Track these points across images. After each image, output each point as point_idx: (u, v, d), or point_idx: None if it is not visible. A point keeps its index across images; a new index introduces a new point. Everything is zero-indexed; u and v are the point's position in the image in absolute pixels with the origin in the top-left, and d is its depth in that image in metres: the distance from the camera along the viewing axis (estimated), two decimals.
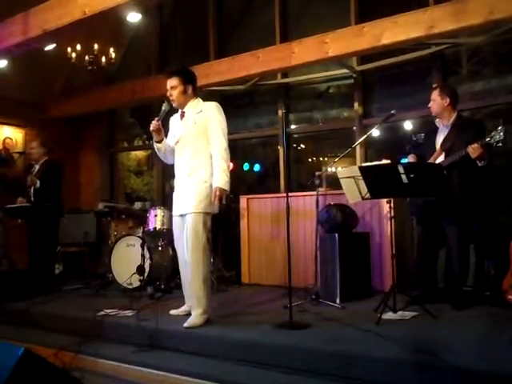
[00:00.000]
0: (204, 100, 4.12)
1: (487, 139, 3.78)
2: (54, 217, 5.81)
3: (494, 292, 4.21)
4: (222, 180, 3.82)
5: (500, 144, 3.74)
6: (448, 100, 4.18)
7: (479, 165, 3.89)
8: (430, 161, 4.14)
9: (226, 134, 4.01)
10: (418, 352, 2.98)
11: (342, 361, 3.02)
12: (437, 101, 4.18)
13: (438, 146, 4.20)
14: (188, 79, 4.03)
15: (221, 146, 3.92)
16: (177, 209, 4.06)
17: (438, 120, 4.29)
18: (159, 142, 4.05)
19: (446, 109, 4.20)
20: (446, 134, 4.19)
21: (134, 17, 5.47)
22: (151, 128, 3.96)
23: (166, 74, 4.07)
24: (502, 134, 3.71)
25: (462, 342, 3.16)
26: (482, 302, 4.25)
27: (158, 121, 3.95)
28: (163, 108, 3.99)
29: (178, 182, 4.07)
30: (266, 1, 6.99)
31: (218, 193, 3.80)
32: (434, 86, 4.33)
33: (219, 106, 4.05)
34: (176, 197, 4.07)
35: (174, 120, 4.16)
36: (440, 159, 4.13)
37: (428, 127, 4.47)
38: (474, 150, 3.80)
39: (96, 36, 6.33)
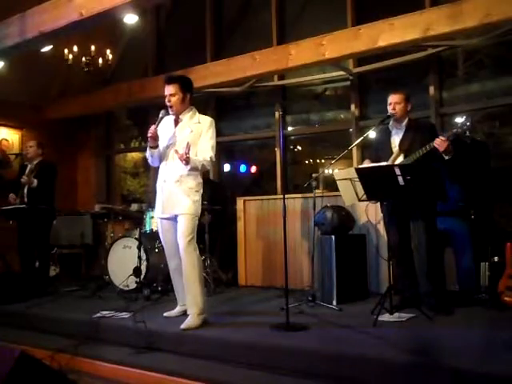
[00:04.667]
0: (200, 102, 4.14)
1: (454, 130, 3.89)
2: (47, 219, 5.80)
3: (489, 294, 4.22)
4: (195, 160, 3.90)
5: (468, 133, 3.86)
6: (410, 106, 4.28)
7: (446, 158, 3.92)
8: (389, 162, 4.14)
9: (215, 149, 4.10)
10: (415, 354, 2.99)
11: (339, 363, 3.03)
12: (402, 104, 4.22)
13: (394, 148, 4.23)
14: (187, 87, 4.08)
15: (208, 155, 4.00)
16: (165, 211, 4.06)
17: (391, 124, 4.31)
18: (154, 147, 4.08)
19: (406, 114, 4.26)
20: (401, 135, 4.24)
21: (130, 18, 5.46)
22: (149, 134, 4.00)
23: (166, 81, 4.08)
24: (468, 123, 3.84)
25: (459, 344, 3.17)
26: (477, 303, 4.27)
27: (155, 128, 3.99)
28: (160, 115, 4.05)
29: (164, 186, 4.07)
30: (263, 3, 6.99)
31: (184, 156, 3.78)
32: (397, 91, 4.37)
33: (214, 122, 4.16)
34: (162, 199, 4.07)
35: (166, 124, 4.16)
36: (399, 160, 4.14)
37: (381, 132, 4.48)
38: (440, 142, 3.85)
39: (93, 37, 6.32)
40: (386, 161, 4.17)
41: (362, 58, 6.06)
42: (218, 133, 4.18)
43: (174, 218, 4.02)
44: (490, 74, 5.60)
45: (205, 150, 4.01)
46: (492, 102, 5.51)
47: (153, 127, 3.98)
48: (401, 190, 3.72)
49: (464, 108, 5.56)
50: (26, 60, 6.35)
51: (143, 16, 6.69)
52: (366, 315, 3.94)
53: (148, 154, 4.17)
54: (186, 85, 4.08)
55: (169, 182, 4.04)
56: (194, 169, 3.93)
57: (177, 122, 4.11)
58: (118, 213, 6.53)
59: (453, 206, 4.65)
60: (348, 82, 6.39)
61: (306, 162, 7.34)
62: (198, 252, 3.99)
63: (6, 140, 7.56)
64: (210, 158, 4.01)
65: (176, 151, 3.88)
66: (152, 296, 5.12)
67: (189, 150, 3.81)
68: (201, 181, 4.09)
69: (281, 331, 3.61)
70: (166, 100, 4.03)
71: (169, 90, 4.02)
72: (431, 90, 5.72)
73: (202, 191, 4.10)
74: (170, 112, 4.09)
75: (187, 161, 3.81)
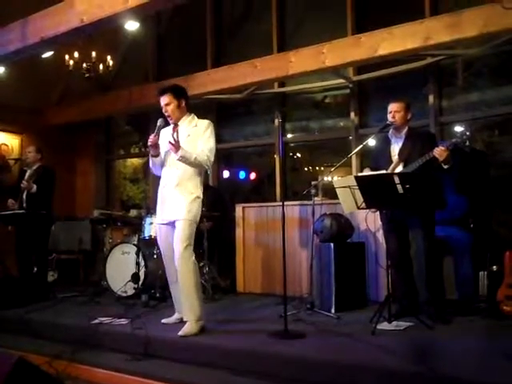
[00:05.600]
0: (201, 108, 4.15)
1: (454, 140, 3.91)
2: (45, 224, 5.79)
3: (488, 303, 4.22)
4: (188, 152, 3.87)
5: (467, 143, 3.91)
6: (410, 115, 4.27)
7: (444, 167, 3.93)
8: (388, 171, 4.15)
9: (213, 151, 4.07)
10: (413, 362, 2.98)
11: (337, 371, 3.02)
12: (401, 113, 4.22)
13: (394, 157, 4.23)
14: (180, 94, 4.11)
15: (204, 155, 3.97)
16: (164, 217, 4.07)
17: (391, 133, 4.32)
18: (155, 156, 4.09)
19: (406, 122, 4.26)
20: (400, 144, 4.24)
21: (131, 25, 5.48)
22: (149, 143, 4.02)
23: (158, 93, 4.13)
24: (468, 133, 3.88)
25: (457, 353, 3.16)
26: (476, 312, 4.26)
27: (154, 136, 4.01)
28: (158, 123, 4.06)
29: (163, 192, 4.09)
30: (263, 10, 7.02)
31: (175, 144, 3.81)
32: (397, 99, 4.37)
33: (212, 124, 4.15)
34: (162, 205, 4.09)
35: (166, 133, 4.17)
36: (399, 169, 4.15)
37: (381, 140, 4.49)
38: (440, 152, 3.86)
39: (94, 43, 6.34)
40: (386, 169, 4.18)
41: (361, 66, 6.09)
42: (219, 139, 4.19)
43: (173, 224, 4.01)
44: (488, 84, 5.63)
45: (202, 151, 3.99)
46: (491, 111, 5.53)
47: (152, 136, 4.00)
48: (400, 198, 3.72)
49: (463, 117, 5.57)
50: (27, 65, 6.36)
51: (144, 22, 6.71)
52: (364, 323, 3.94)
53: (151, 163, 4.19)
54: (178, 92, 4.11)
55: (168, 187, 4.04)
56: (185, 159, 3.88)
57: (175, 129, 4.12)
58: (116, 219, 6.53)
59: (452, 215, 4.66)
60: (348, 90, 6.42)
61: (306, 169, 7.34)
62: (193, 258, 3.96)
63: (6, 145, 7.58)
64: (207, 157, 3.99)
65: (169, 142, 3.87)
66: (150, 302, 5.11)
67: (177, 136, 3.83)
68: (200, 184, 4.07)
69: (279, 339, 3.60)
70: (163, 111, 4.08)
71: (163, 100, 4.06)
72: (430, 98, 5.74)
73: (202, 196, 4.09)
74: (170, 122, 4.11)
75: (176, 146, 3.81)
